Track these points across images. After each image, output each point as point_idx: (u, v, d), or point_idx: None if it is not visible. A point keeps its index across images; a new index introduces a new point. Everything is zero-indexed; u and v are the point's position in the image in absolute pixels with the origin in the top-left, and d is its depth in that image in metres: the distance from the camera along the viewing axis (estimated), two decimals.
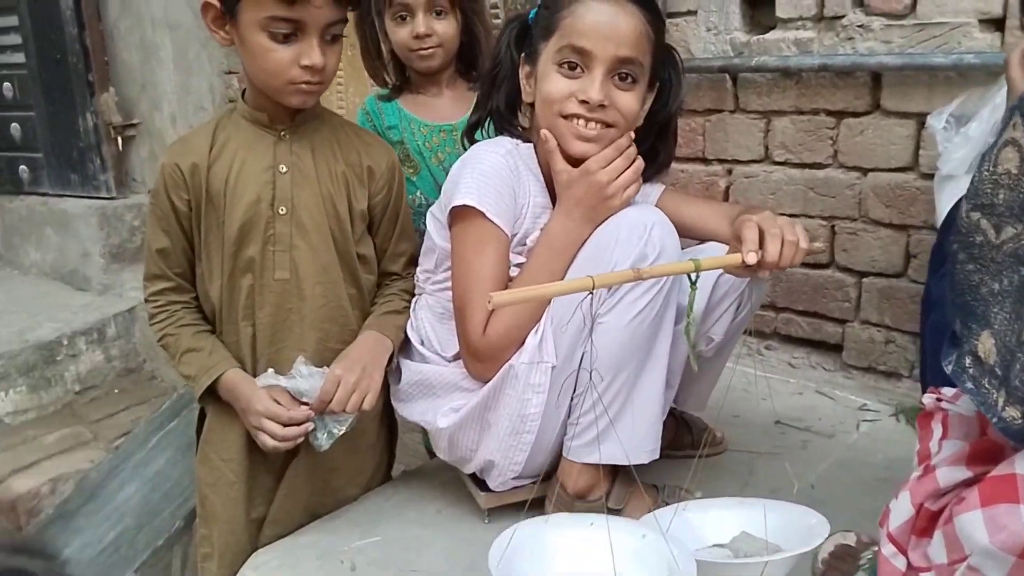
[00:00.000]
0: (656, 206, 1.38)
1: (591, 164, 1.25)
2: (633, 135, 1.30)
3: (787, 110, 1.82)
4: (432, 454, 1.67)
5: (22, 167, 3.67)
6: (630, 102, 1.26)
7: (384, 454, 1.60)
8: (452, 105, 1.81)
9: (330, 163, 1.42)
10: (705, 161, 1.97)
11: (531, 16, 1.36)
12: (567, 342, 1.24)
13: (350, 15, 1.41)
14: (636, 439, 1.26)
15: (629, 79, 1.25)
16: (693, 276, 1.06)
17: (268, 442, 1.32)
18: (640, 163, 1.29)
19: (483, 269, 1.28)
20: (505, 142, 1.35)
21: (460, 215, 1.29)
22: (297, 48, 1.28)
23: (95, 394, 2.95)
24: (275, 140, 1.39)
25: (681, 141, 1.67)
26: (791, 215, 1.62)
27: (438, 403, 1.37)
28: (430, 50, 1.70)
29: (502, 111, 1.38)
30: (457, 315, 1.32)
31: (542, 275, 1.25)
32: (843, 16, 1.71)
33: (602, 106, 1.24)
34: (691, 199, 1.51)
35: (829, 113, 1.77)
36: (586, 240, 1.26)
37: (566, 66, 1.24)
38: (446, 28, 1.69)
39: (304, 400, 1.34)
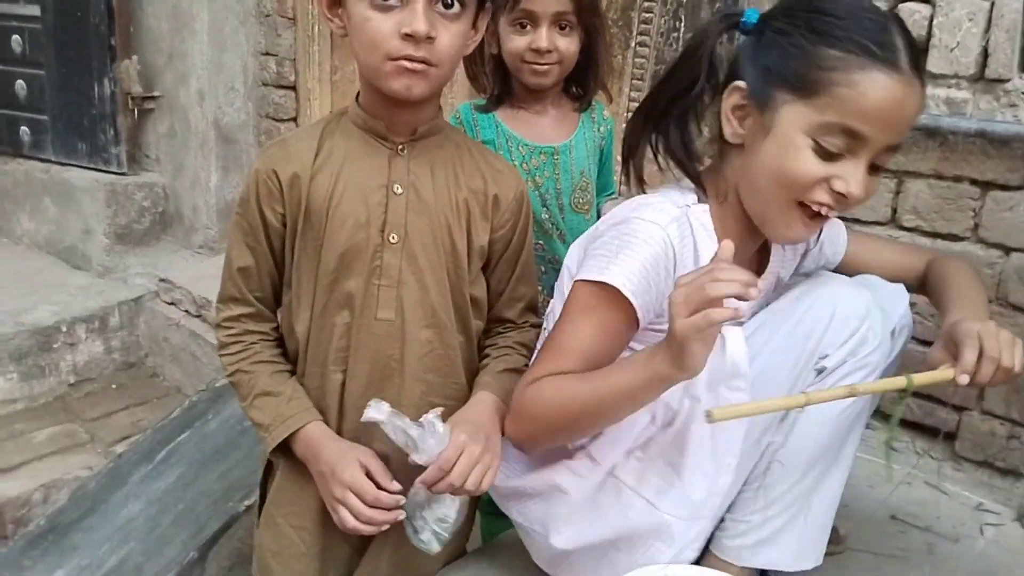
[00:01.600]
0: (847, 251, 1.26)
1: None
2: None
3: (925, 173, 1.66)
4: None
5: (23, 128, 3.39)
6: (873, 188, 1.03)
7: (467, 524, 1.41)
8: (556, 126, 1.64)
9: (451, 187, 1.21)
10: None
11: (747, 21, 1.07)
12: (756, 432, 1.07)
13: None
14: (805, 543, 1.12)
15: (879, 170, 1.03)
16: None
17: (348, 521, 1.12)
18: None
19: (588, 340, 1.04)
20: (670, 208, 1.07)
21: (601, 285, 1.04)
22: (399, 16, 1.05)
23: (91, 388, 2.71)
24: (391, 155, 1.18)
25: None
26: None
27: (555, 511, 1.14)
28: (547, 66, 1.52)
29: (676, 147, 1.12)
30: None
31: None
32: (1007, 80, 1.55)
33: (858, 199, 1.00)
34: (877, 242, 1.36)
35: (975, 182, 1.62)
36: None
37: (831, 146, 0.97)
38: (568, 45, 1.52)
39: (416, 460, 1.09)
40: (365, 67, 1.12)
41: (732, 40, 1.11)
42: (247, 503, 1.96)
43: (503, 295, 1.32)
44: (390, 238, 1.17)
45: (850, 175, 0.97)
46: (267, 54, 2.96)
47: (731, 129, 1.06)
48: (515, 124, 1.62)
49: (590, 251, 1.11)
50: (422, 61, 1.07)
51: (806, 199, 1.00)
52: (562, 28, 1.52)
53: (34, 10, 3.23)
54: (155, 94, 3.12)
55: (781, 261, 1.21)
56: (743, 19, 1.06)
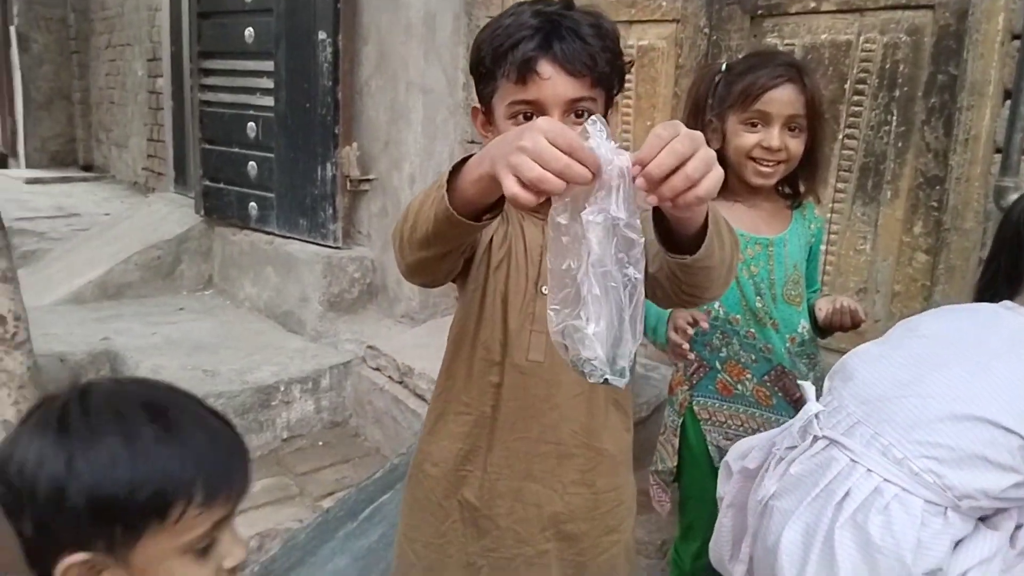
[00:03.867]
0: None
1: None
2: None
3: None
4: None
5: (252, 204, 3.79)
6: None
7: None
8: (769, 220, 1.68)
9: None
10: None
11: None
12: None
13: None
14: None
15: None
16: None
17: (512, 187, 0.85)
18: None
19: None
20: None
21: None
22: None
23: (300, 444, 2.93)
24: (545, 225, 1.27)
25: None
26: None
27: None
28: (774, 166, 1.57)
29: None
30: None
31: None
32: None
33: None
34: None
35: None
36: None
37: None
38: (797, 146, 1.57)
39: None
40: None
41: None
42: None
43: None
44: (542, 290, 1.25)
45: None
46: (472, 142, 3.17)
47: None
48: (730, 215, 1.66)
49: None
50: None
51: None
52: (792, 129, 1.57)
53: (268, 101, 3.64)
54: (371, 177, 3.41)
55: None
56: None
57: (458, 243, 1.09)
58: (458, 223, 0.98)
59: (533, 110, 1.19)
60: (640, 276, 0.90)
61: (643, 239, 0.90)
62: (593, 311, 0.88)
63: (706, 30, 2.45)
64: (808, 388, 1.35)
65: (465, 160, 0.98)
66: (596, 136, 0.87)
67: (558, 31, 1.18)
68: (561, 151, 0.81)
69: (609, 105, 1.28)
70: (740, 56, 1.72)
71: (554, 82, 1.17)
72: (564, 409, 1.28)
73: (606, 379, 0.91)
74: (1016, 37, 1.75)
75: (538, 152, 0.81)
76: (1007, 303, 1.28)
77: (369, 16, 3.35)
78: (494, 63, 1.19)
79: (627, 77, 1.28)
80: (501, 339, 1.27)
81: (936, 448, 1.12)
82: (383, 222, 3.39)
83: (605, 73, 1.21)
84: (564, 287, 0.89)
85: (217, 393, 2.75)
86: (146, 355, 3.10)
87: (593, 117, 0.89)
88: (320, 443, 2.94)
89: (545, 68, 1.17)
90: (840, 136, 2.16)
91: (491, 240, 1.28)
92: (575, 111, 1.20)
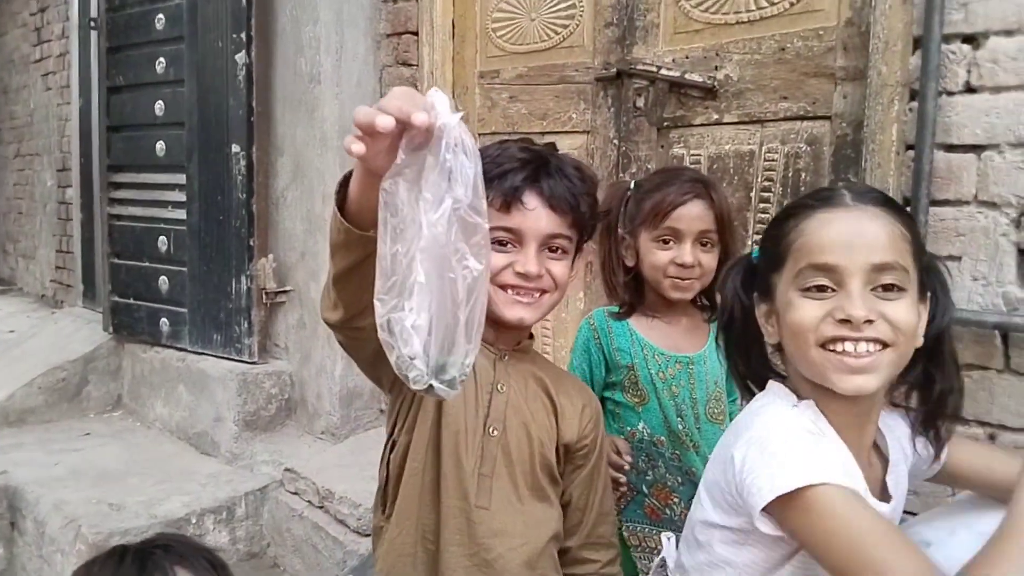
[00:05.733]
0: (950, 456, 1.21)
1: None
2: None
3: None
4: None
5: (163, 319, 3.64)
6: (903, 312, 1.04)
7: None
8: (688, 335, 1.67)
9: (543, 391, 1.35)
10: (963, 421, 1.74)
11: (754, 255, 1.22)
12: None
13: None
14: None
15: (895, 288, 1.05)
16: None
17: (347, 144, 0.86)
18: None
19: (878, 526, 0.97)
20: (781, 407, 1.14)
21: (797, 501, 1.00)
22: (512, 256, 1.25)
23: None
24: (496, 359, 1.32)
25: None
26: None
27: None
28: (689, 281, 1.57)
29: (756, 366, 1.23)
30: None
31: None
32: None
33: (869, 322, 1.02)
34: (982, 449, 1.31)
35: None
36: None
37: (813, 289, 1.07)
38: (710, 261, 1.58)
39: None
40: None
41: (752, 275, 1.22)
42: None
43: (586, 522, 1.37)
44: (491, 431, 1.28)
45: (844, 300, 1.04)
46: None
47: (767, 334, 1.18)
48: (648, 332, 1.66)
49: (733, 479, 1.09)
50: (536, 290, 1.28)
51: (821, 339, 1.05)
52: (703, 244, 1.58)
53: (181, 214, 3.55)
54: (287, 288, 3.32)
55: (900, 450, 1.21)
56: (752, 257, 1.22)
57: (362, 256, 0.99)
58: (351, 233, 0.96)
59: (511, 238, 1.25)
60: (483, 269, 0.83)
61: (487, 225, 0.84)
62: (417, 301, 0.80)
63: (615, 141, 2.49)
64: (667, 540, 1.32)
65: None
66: (439, 101, 0.82)
67: (546, 167, 1.26)
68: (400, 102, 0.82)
69: (579, 250, 1.34)
70: (647, 173, 1.75)
71: (537, 214, 1.24)
72: (507, 559, 1.26)
73: (431, 386, 0.82)
74: (910, 147, 1.81)
75: (378, 105, 0.82)
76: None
77: (284, 129, 3.33)
78: None
79: None
80: (455, 480, 1.26)
81: None
82: (301, 334, 3.29)
83: (584, 215, 1.29)
84: (392, 275, 0.81)
85: (123, 530, 2.55)
86: (48, 488, 2.89)
87: (434, 88, 0.86)
88: None
89: (531, 199, 1.24)
90: (749, 243, 2.19)
91: None
92: (550, 246, 1.27)
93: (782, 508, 1.01)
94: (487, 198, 1.14)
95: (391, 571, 1.29)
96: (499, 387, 1.30)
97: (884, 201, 1.10)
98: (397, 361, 0.84)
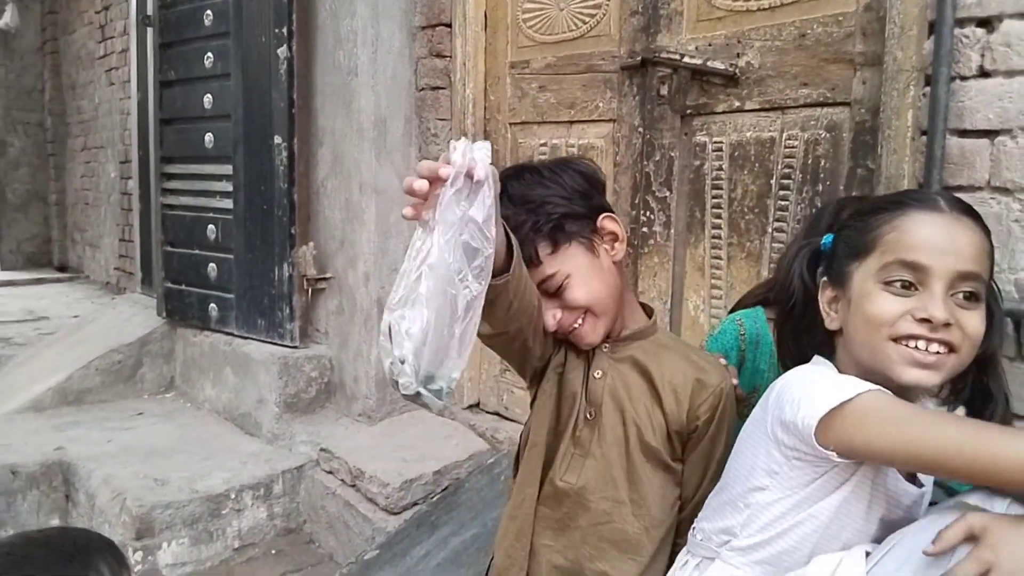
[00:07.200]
0: None
1: None
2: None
3: None
4: None
5: (212, 305, 3.79)
6: (976, 323, 1.09)
7: None
8: None
9: (650, 377, 1.38)
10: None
11: (825, 242, 1.24)
12: None
13: None
14: None
15: (973, 298, 1.09)
16: None
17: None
18: None
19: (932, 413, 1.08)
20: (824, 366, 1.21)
21: (849, 411, 1.04)
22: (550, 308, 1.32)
23: (252, 553, 2.86)
24: (596, 348, 1.38)
25: None
26: None
27: None
28: None
29: (807, 350, 1.25)
30: None
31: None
32: None
33: (947, 325, 1.07)
34: None
35: None
36: None
37: (897, 284, 1.10)
38: None
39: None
40: None
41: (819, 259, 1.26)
42: None
43: (692, 502, 1.39)
44: (587, 414, 1.36)
45: (927, 301, 1.07)
46: None
47: (829, 319, 1.20)
48: None
49: (783, 416, 1.13)
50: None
51: (896, 334, 1.08)
52: None
53: (228, 203, 3.68)
54: (327, 275, 3.43)
55: None
56: (822, 244, 1.24)
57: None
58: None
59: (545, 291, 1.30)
60: (481, 289, 0.90)
61: (492, 250, 0.91)
62: (416, 310, 0.87)
63: (640, 129, 2.51)
64: None
65: None
66: (460, 147, 0.93)
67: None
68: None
69: (592, 240, 1.33)
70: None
71: (539, 271, 1.29)
72: (586, 532, 1.35)
73: (418, 393, 0.88)
74: (924, 133, 1.79)
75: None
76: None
77: (324, 120, 3.42)
78: None
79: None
80: (555, 457, 1.37)
81: None
82: (340, 320, 3.39)
83: (550, 246, 1.29)
84: (403, 288, 0.89)
85: (165, 504, 2.69)
86: (100, 464, 3.05)
87: (462, 138, 0.97)
88: (273, 551, 2.87)
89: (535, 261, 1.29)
90: (769, 230, 2.20)
91: (565, 351, 1.39)
92: (546, 288, 1.29)
93: (836, 423, 1.05)
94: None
95: (516, 530, 1.39)
96: (595, 374, 1.36)
97: (974, 213, 1.14)
98: (391, 367, 0.92)
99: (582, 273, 1.30)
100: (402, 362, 0.90)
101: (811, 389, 1.09)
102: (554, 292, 1.29)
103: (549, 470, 1.38)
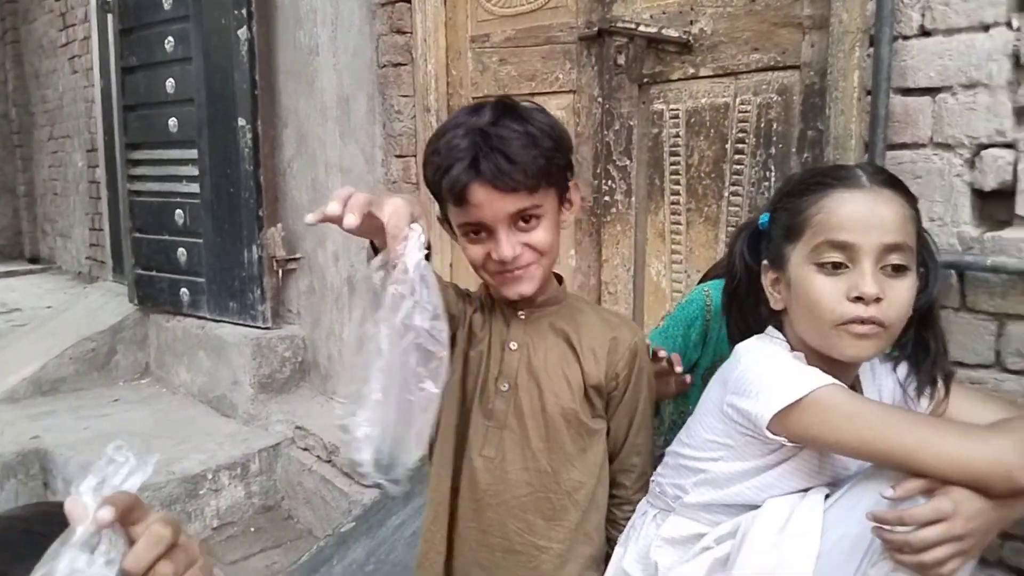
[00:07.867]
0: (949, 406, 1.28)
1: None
2: None
3: None
4: None
5: (183, 290, 3.80)
6: (904, 292, 1.15)
7: None
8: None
9: (564, 338, 1.39)
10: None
11: (762, 222, 1.28)
12: None
13: None
14: None
15: (901, 269, 1.15)
16: None
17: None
18: None
19: (886, 408, 1.17)
20: (775, 345, 1.27)
21: (805, 406, 1.11)
22: (487, 244, 1.28)
23: (232, 531, 2.89)
24: (511, 318, 1.39)
25: None
26: None
27: None
28: None
29: (754, 328, 1.31)
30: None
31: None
32: None
33: (878, 300, 1.13)
34: (977, 397, 1.35)
35: None
36: None
37: (829, 265, 1.16)
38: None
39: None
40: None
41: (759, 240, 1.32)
42: None
43: (620, 453, 1.43)
44: (501, 386, 1.36)
45: (857, 278, 1.13)
46: None
47: (773, 300, 1.26)
48: None
49: (739, 388, 1.20)
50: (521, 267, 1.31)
51: (838, 321, 1.14)
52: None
53: (194, 188, 3.68)
54: (297, 256, 3.44)
55: (877, 394, 1.31)
56: (759, 224, 1.29)
57: None
58: None
59: (480, 228, 1.25)
60: (437, 392, 0.93)
61: (446, 352, 0.93)
62: (371, 415, 0.90)
63: (599, 99, 2.54)
64: None
65: None
66: (414, 238, 0.92)
67: (486, 151, 1.20)
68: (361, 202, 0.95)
69: (562, 199, 1.33)
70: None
71: (490, 204, 1.21)
72: (510, 506, 1.35)
73: (379, 483, 0.93)
74: (869, 93, 1.83)
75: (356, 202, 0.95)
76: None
77: (287, 101, 3.42)
78: (435, 188, 1.27)
79: None
80: (470, 432, 1.37)
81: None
82: (311, 299, 3.41)
83: (542, 179, 1.24)
84: (353, 382, 0.92)
85: (142, 486, 2.71)
86: (76, 450, 3.06)
87: (413, 225, 0.96)
88: (252, 529, 2.91)
89: (476, 193, 1.20)
90: (726, 194, 2.24)
91: (470, 323, 1.38)
92: (522, 218, 1.26)
93: (791, 417, 1.12)
94: (443, 196, 1.25)
95: (433, 514, 1.40)
96: (510, 346, 1.36)
97: (895, 183, 1.19)
98: (347, 457, 0.96)
99: (552, 221, 1.30)
100: (360, 465, 0.94)
101: (768, 380, 1.15)
102: (522, 227, 1.26)
103: (464, 448, 1.38)
